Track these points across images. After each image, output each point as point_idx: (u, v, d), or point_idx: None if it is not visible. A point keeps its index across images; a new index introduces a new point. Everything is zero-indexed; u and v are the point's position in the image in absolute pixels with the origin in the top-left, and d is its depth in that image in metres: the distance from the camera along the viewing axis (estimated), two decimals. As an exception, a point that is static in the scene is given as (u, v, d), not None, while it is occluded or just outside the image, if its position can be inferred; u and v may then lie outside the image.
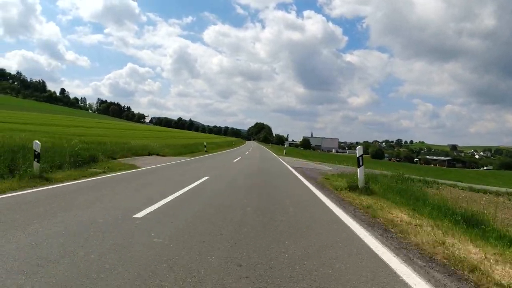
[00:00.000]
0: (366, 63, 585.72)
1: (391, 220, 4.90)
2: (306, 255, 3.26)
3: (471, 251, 3.52)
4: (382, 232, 4.31)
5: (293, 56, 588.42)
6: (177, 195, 6.42)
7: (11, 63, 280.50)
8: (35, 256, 2.89)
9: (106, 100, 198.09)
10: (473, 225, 4.86)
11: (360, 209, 5.81)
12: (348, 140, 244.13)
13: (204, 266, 2.85)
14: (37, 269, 2.63)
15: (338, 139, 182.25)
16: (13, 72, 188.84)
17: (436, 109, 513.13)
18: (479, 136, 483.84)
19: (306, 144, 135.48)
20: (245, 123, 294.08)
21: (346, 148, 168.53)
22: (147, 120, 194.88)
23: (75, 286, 2.37)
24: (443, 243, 3.71)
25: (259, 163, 17.47)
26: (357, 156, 7.63)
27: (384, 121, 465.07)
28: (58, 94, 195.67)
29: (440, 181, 16.94)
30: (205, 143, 30.48)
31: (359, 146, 7.96)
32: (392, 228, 4.53)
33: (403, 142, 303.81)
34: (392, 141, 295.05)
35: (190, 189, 7.46)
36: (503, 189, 18.07)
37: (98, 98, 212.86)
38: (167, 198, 5.97)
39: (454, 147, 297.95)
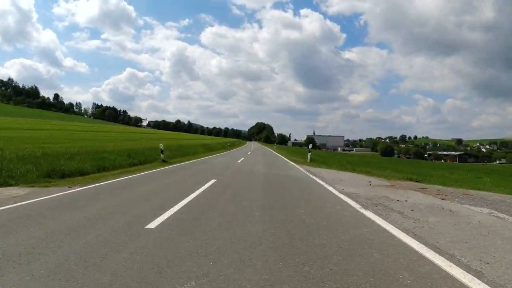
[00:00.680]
0: (365, 60, 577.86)
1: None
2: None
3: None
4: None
5: (292, 56, 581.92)
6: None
7: (10, 72, 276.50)
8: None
9: (101, 105, 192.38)
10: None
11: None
12: (351, 138, 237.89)
13: None
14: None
15: (343, 137, 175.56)
16: (5, 79, 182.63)
17: (438, 104, 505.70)
18: (480, 130, 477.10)
19: (311, 143, 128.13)
20: (246, 124, 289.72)
21: (350, 145, 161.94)
22: (144, 123, 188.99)
23: None
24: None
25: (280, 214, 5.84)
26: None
27: (386, 117, 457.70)
28: (52, 100, 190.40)
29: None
30: (161, 147, 18.31)
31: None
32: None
33: (407, 138, 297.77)
34: (395, 137, 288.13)
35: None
36: None
37: (93, 103, 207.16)
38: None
39: (459, 141, 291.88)
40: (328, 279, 2.71)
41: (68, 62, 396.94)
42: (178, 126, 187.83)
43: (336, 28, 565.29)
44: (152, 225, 4.40)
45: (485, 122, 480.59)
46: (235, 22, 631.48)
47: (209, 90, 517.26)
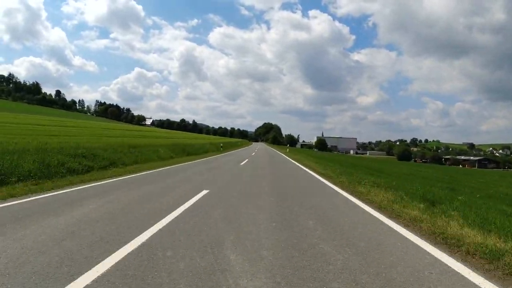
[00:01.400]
0: (374, 61, 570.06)
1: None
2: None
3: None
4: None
5: (300, 57, 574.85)
6: None
7: (20, 70, 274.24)
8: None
9: (105, 102, 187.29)
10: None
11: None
12: (359, 140, 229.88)
13: None
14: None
15: (356, 138, 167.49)
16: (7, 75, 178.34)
17: (446, 106, 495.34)
18: (488, 134, 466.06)
19: (322, 145, 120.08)
20: (253, 125, 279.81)
21: (361, 148, 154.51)
22: (148, 122, 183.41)
23: None
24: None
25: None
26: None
27: (394, 120, 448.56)
28: (54, 96, 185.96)
29: None
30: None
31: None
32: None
33: (418, 142, 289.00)
34: (406, 141, 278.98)
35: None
36: None
37: (96, 100, 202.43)
38: None
39: (472, 146, 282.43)
40: None
41: (77, 61, 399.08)
42: (182, 125, 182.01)
43: (345, 29, 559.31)
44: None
45: (493, 126, 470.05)
46: (243, 22, 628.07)
47: (217, 90, 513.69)
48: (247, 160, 19.32)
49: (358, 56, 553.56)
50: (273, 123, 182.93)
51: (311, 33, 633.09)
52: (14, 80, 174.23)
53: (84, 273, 2.76)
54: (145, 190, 7.61)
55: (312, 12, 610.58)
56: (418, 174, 24.12)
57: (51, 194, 6.61)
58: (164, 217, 4.88)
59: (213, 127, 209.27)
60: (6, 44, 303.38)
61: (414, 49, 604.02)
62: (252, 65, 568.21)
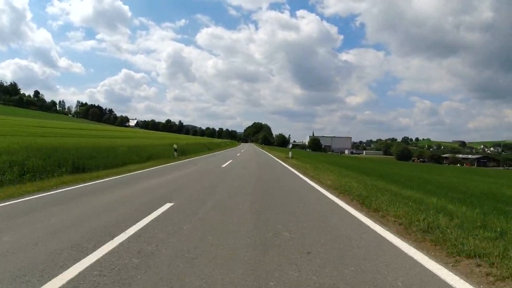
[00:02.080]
0: (363, 61, 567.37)
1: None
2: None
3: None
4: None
5: (289, 57, 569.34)
6: None
7: (6, 72, 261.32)
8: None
9: (86, 103, 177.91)
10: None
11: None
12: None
13: None
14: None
15: (351, 138, 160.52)
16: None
17: (435, 105, 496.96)
18: (476, 132, 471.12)
19: (315, 145, 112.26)
20: (243, 126, 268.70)
21: (355, 148, 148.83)
22: (132, 123, 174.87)
23: None
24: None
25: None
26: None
27: (383, 119, 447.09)
28: (33, 97, 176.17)
29: None
30: None
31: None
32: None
33: (409, 140, 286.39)
34: (396, 139, 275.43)
35: None
36: None
37: (77, 101, 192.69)
38: None
39: (463, 144, 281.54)
40: None
41: (63, 62, 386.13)
42: (168, 126, 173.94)
43: (333, 29, 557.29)
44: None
45: (481, 124, 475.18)
46: (231, 23, 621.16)
47: (206, 91, 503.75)
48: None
49: (347, 56, 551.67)
50: (263, 123, 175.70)
51: (300, 33, 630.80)
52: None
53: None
54: None
55: (300, 12, 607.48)
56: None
57: None
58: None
59: (200, 128, 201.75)
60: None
61: (402, 48, 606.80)
62: (241, 66, 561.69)
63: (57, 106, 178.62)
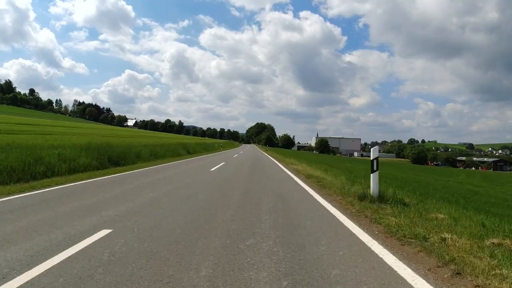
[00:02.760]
0: (366, 62, 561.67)
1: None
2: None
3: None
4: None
5: (292, 58, 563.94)
6: None
7: (10, 72, 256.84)
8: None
9: (83, 102, 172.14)
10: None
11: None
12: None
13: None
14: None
15: (360, 139, 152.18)
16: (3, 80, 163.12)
17: (438, 107, 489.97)
18: (479, 134, 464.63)
19: (323, 147, 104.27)
20: (246, 127, 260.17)
21: (364, 150, 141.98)
22: (130, 123, 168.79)
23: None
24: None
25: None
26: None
27: (386, 121, 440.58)
28: (28, 95, 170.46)
29: None
30: None
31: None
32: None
33: (415, 142, 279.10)
34: (401, 141, 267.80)
35: None
36: None
37: (74, 100, 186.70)
38: None
39: (471, 146, 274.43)
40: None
41: (66, 62, 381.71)
42: (167, 127, 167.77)
43: (336, 30, 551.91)
44: None
45: (484, 126, 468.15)
46: (235, 23, 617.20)
47: (209, 92, 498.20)
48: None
49: (350, 57, 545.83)
50: (266, 124, 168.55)
51: (303, 34, 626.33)
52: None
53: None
54: None
55: (303, 13, 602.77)
56: None
57: None
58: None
59: (200, 128, 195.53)
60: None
61: (406, 49, 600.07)
62: (244, 67, 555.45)
63: (54, 105, 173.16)
